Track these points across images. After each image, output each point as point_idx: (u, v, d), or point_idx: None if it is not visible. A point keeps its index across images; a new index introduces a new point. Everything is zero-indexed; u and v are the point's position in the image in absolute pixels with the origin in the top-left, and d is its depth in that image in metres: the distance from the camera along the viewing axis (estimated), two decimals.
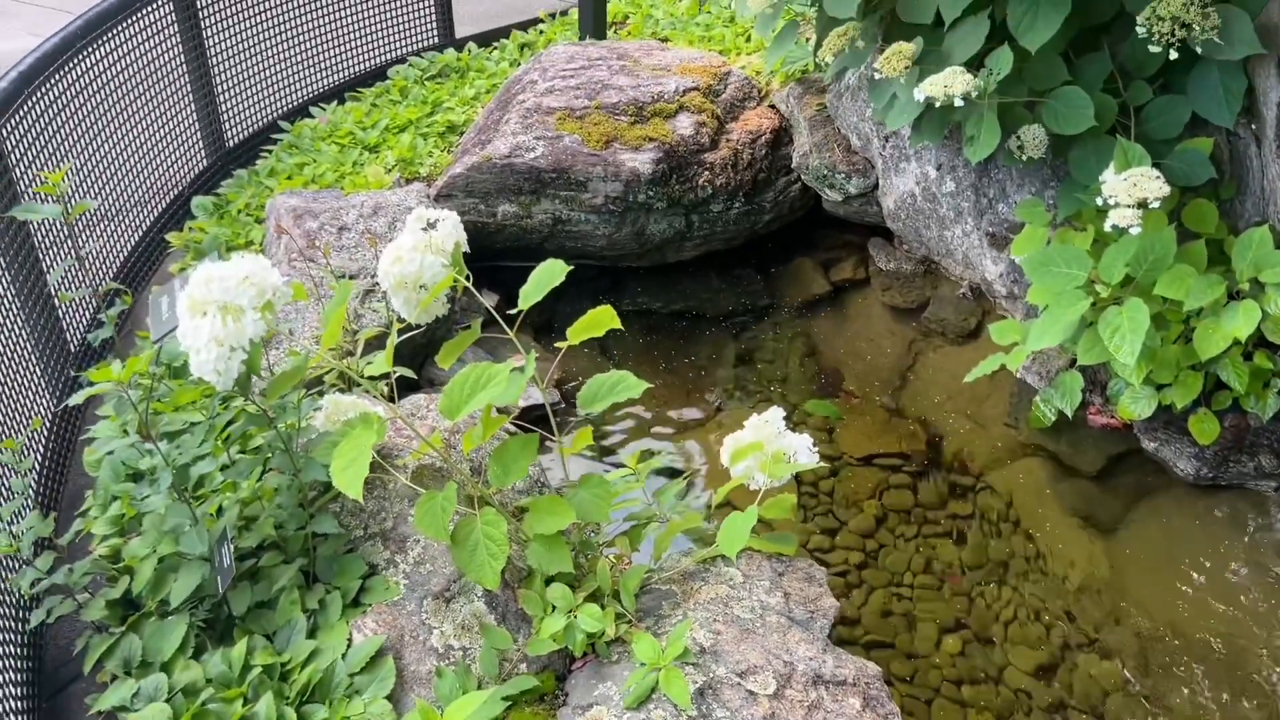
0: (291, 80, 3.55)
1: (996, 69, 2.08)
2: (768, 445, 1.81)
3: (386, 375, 1.81)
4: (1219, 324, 2.04)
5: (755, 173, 3.03)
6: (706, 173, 2.94)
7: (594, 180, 2.84)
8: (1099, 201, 2.03)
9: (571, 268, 1.70)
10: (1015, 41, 2.09)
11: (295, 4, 3.50)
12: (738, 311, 3.02)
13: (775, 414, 1.86)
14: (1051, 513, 2.35)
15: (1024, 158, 2.21)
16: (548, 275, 1.70)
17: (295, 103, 3.55)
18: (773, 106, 3.18)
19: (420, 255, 1.73)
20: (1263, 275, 2.01)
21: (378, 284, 2.44)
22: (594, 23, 3.88)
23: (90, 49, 2.53)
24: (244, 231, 2.74)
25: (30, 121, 2.20)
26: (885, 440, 2.60)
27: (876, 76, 2.21)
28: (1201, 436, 2.20)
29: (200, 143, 3.12)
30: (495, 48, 4.05)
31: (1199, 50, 1.98)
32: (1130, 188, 1.98)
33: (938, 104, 2.05)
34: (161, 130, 2.95)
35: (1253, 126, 2.14)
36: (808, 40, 2.69)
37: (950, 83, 2.03)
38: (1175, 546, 2.23)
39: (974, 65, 2.15)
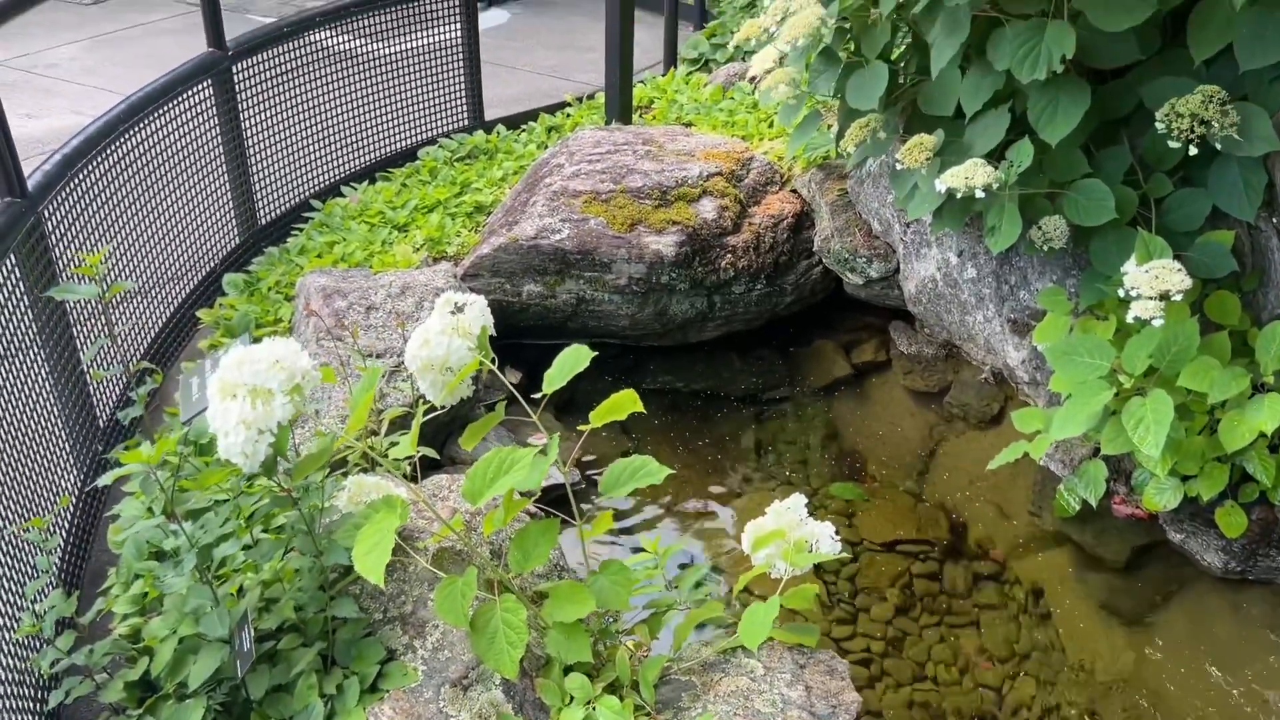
0: (325, 160, 3.64)
1: (1017, 161, 2.11)
2: (790, 533, 1.80)
3: (410, 456, 1.82)
4: (1244, 416, 2.03)
5: (777, 256, 3.06)
6: (729, 255, 2.97)
7: (618, 262, 2.88)
8: (1121, 292, 2.04)
9: (595, 354, 1.72)
10: (1035, 134, 2.12)
11: (332, 87, 3.60)
12: (759, 392, 3.02)
13: (797, 500, 1.86)
14: (1077, 604, 2.31)
15: (1046, 248, 2.22)
16: (572, 361, 1.71)
17: (328, 181, 3.63)
18: (794, 191, 3.22)
19: (448, 339, 1.75)
20: None
21: (403, 364, 2.47)
22: (620, 107, 3.96)
23: (132, 131, 2.61)
24: (273, 309, 2.79)
25: (72, 202, 2.26)
26: (907, 526, 2.58)
27: (898, 167, 2.24)
28: (1229, 530, 2.18)
29: (234, 220, 3.19)
30: (523, 130, 4.14)
31: (1218, 146, 2.00)
32: (1152, 280, 1.99)
33: (959, 195, 2.08)
34: (196, 208, 3.02)
35: (1274, 220, 2.15)
36: (829, 128, 2.74)
37: (971, 174, 2.06)
38: (1203, 642, 2.19)
39: (995, 157, 2.18)
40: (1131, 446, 2.11)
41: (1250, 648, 2.17)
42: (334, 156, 3.68)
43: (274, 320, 2.75)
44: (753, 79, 2.83)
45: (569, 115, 4.25)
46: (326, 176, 3.65)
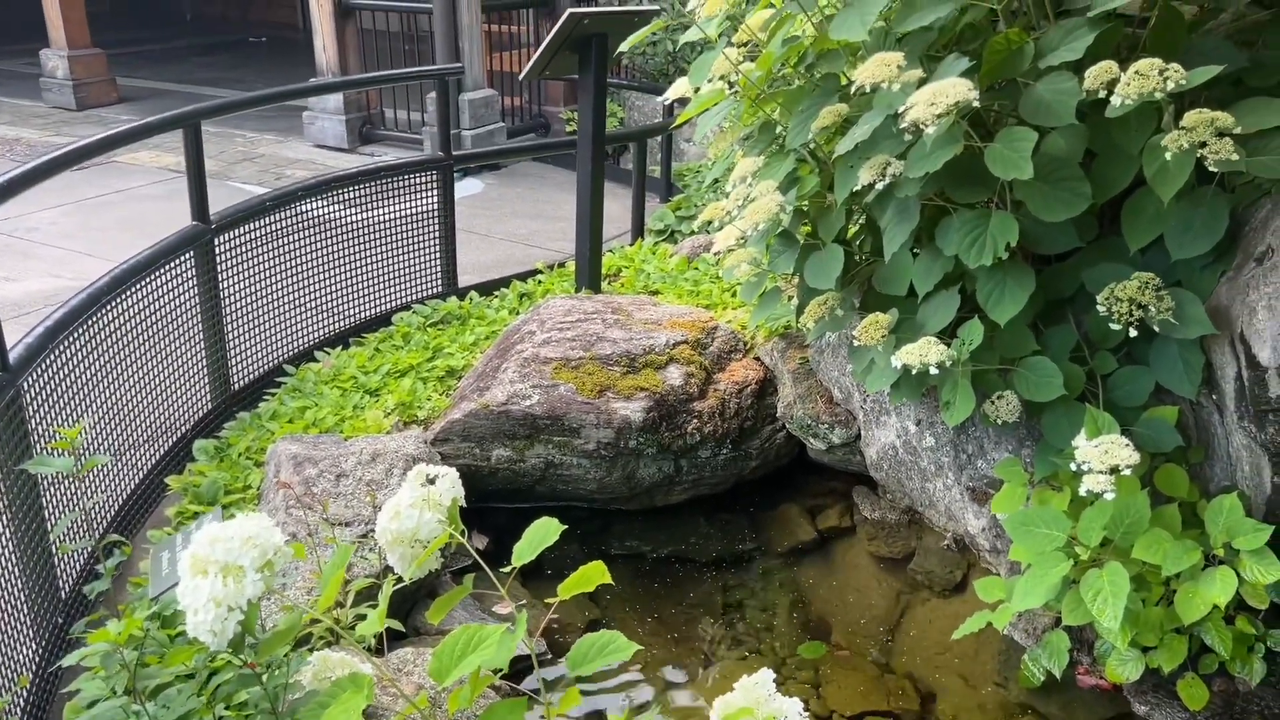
0: (300, 325, 3.72)
1: (968, 339, 2.22)
2: (758, 709, 1.80)
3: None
4: (1198, 589, 2.08)
5: (742, 421, 3.13)
6: (695, 421, 3.04)
7: (587, 427, 2.94)
8: (1074, 465, 2.11)
9: (565, 527, 1.75)
10: (985, 314, 2.24)
11: (310, 253, 3.71)
12: (725, 557, 3.04)
13: (765, 676, 1.85)
14: None
15: (999, 421, 2.31)
16: (541, 534, 1.74)
17: (302, 346, 3.70)
18: (758, 359, 3.33)
19: (419, 512, 1.78)
20: (1236, 542, 2.07)
21: (371, 533, 2.48)
22: (590, 275, 4.10)
23: (113, 302, 2.67)
24: (243, 475, 2.80)
25: (50, 373, 2.30)
26: (876, 697, 2.57)
27: (856, 343, 2.34)
28: (1191, 702, 2.19)
29: (207, 385, 3.23)
30: (496, 296, 4.27)
31: (1156, 329, 2.12)
32: (1102, 454, 2.06)
33: (914, 371, 2.17)
34: (170, 374, 3.07)
35: (1214, 397, 2.26)
36: (790, 299, 2.86)
37: (925, 352, 2.16)
38: None
39: (947, 334, 2.29)
40: (1092, 617, 2.15)
41: None
42: (309, 322, 3.76)
43: (243, 487, 2.76)
44: (716, 253, 2.97)
45: (540, 282, 4.39)
46: (301, 341, 3.72)
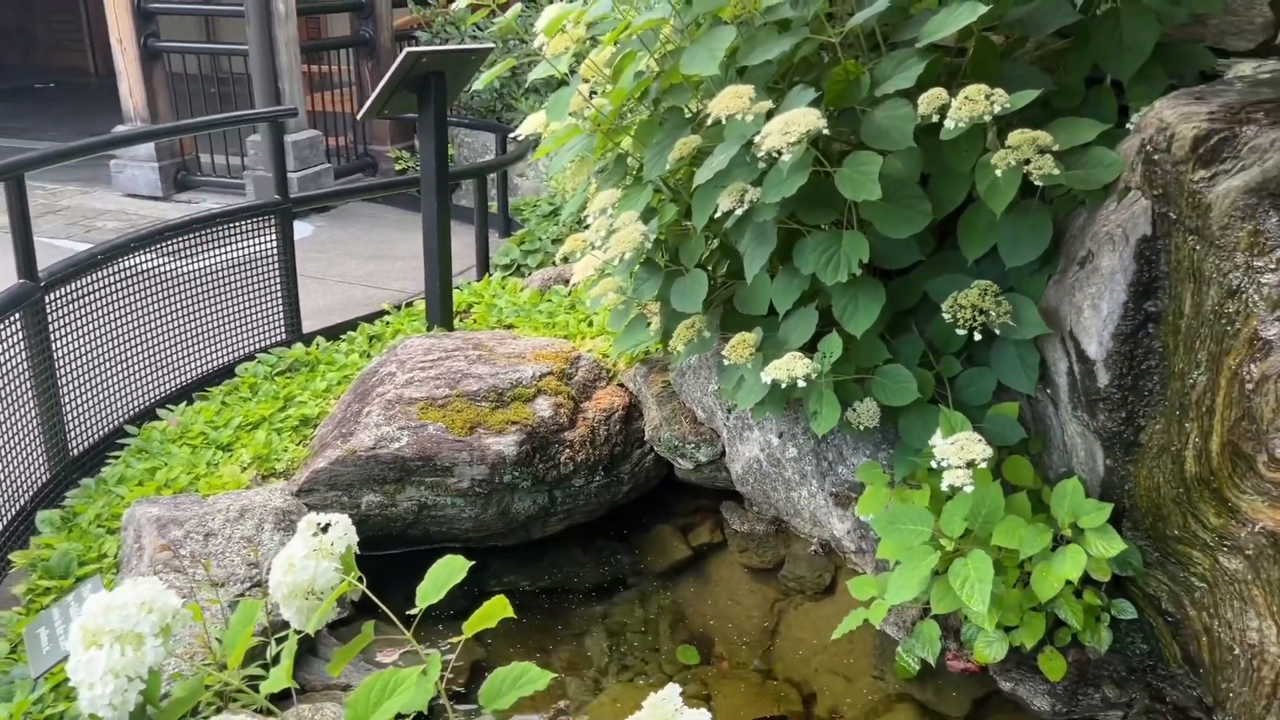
0: (139, 383, 3.54)
1: (829, 353, 2.35)
2: None
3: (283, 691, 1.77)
4: (1051, 568, 2.26)
5: (612, 447, 3.19)
6: (567, 450, 3.08)
7: (460, 465, 2.92)
8: (933, 463, 2.26)
9: (472, 563, 1.75)
10: (842, 328, 2.38)
11: (145, 307, 3.54)
12: (605, 583, 3.08)
13: (672, 691, 1.90)
14: None
15: (861, 427, 2.45)
16: (446, 573, 1.74)
17: (142, 405, 3.52)
18: (621, 385, 3.39)
19: (314, 562, 1.75)
20: (1081, 521, 2.26)
21: (249, 591, 2.39)
22: (442, 313, 4.08)
23: None
24: (96, 545, 2.64)
25: None
26: (761, 704, 2.65)
27: (726, 361, 2.44)
28: (1051, 673, 2.37)
29: (43, 453, 3.03)
30: (343, 340, 4.18)
31: (997, 332, 2.31)
32: (959, 451, 2.22)
33: (783, 384, 2.28)
34: (2, 444, 2.87)
35: (1048, 391, 2.47)
36: (653, 325, 2.94)
37: (792, 366, 2.28)
38: None
39: (808, 349, 2.42)
40: (959, 604, 2.30)
41: None
42: (149, 379, 3.59)
43: (98, 557, 2.60)
44: (575, 284, 3.02)
45: (389, 323, 4.32)
46: (141, 400, 3.54)
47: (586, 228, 2.79)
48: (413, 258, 4.01)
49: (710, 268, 2.74)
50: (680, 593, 3.06)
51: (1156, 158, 2.08)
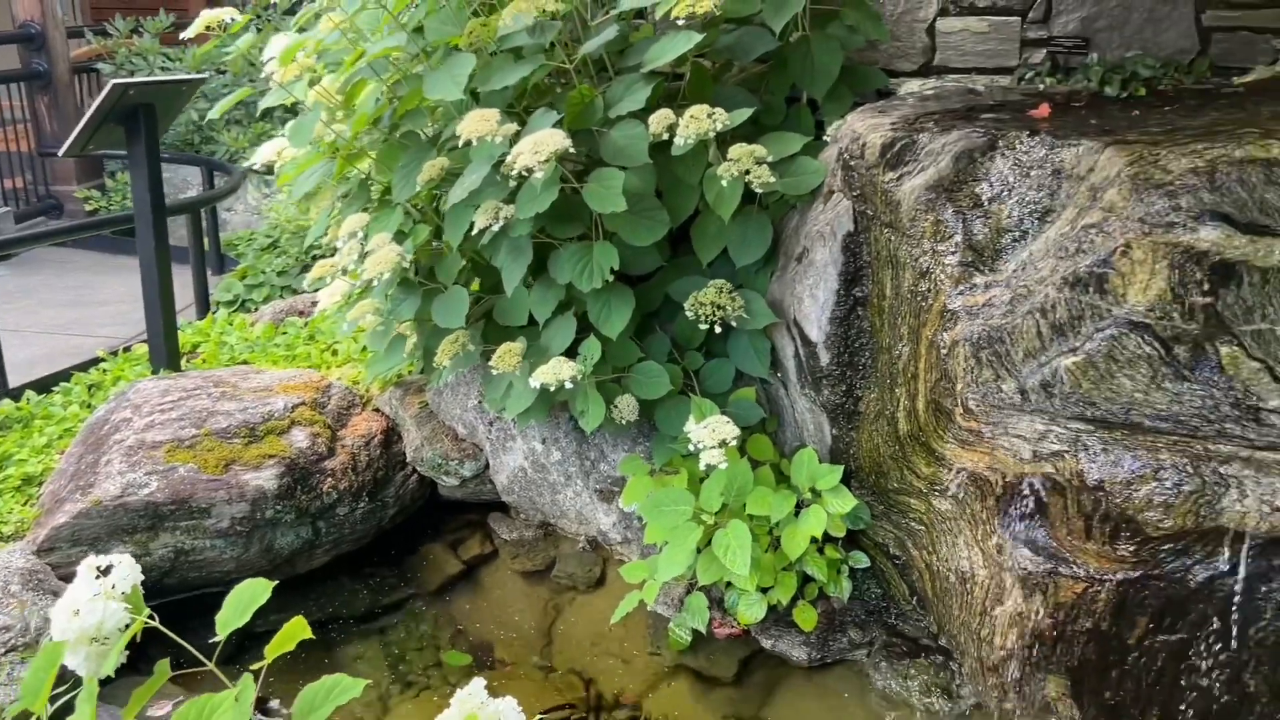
0: None
1: (590, 355, 2.52)
2: (481, 716, 1.93)
3: None
4: (798, 528, 2.55)
5: (374, 473, 3.20)
6: (329, 479, 3.06)
7: (218, 505, 2.84)
8: (690, 448, 2.49)
9: (275, 582, 1.76)
10: (598, 332, 2.56)
11: None
12: (378, 608, 3.08)
13: (477, 685, 1.99)
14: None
15: (623, 422, 2.64)
16: (248, 596, 1.74)
17: None
18: (377, 410, 3.41)
19: (101, 604, 1.70)
20: (818, 484, 2.57)
21: (5, 655, 2.23)
22: (168, 355, 3.89)
23: None
24: None
25: None
26: (547, 697, 2.77)
27: (495, 371, 2.55)
28: (805, 624, 2.66)
29: None
30: (57, 392, 3.88)
31: (734, 324, 2.57)
32: (711, 433, 2.46)
33: (552, 388, 2.43)
34: None
35: (778, 375, 2.77)
36: (412, 345, 3.00)
37: (558, 371, 2.43)
38: None
39: (569, 354, 2.58)
40: (723, 573, 2.55)
41: (839, 715, 2.64)
42: None
43: None
44: (322, 310, 3.02)
45: (107, 370, 4.06)
46: None
47: (333, 253, 2.81)
48: (119, 301, 3.78)
49: (466, 284, 2.84)
50: (455, 606, 3.12)
51: (853, 164, 2.43)
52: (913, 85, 2.84)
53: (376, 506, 3.21)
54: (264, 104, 2.84)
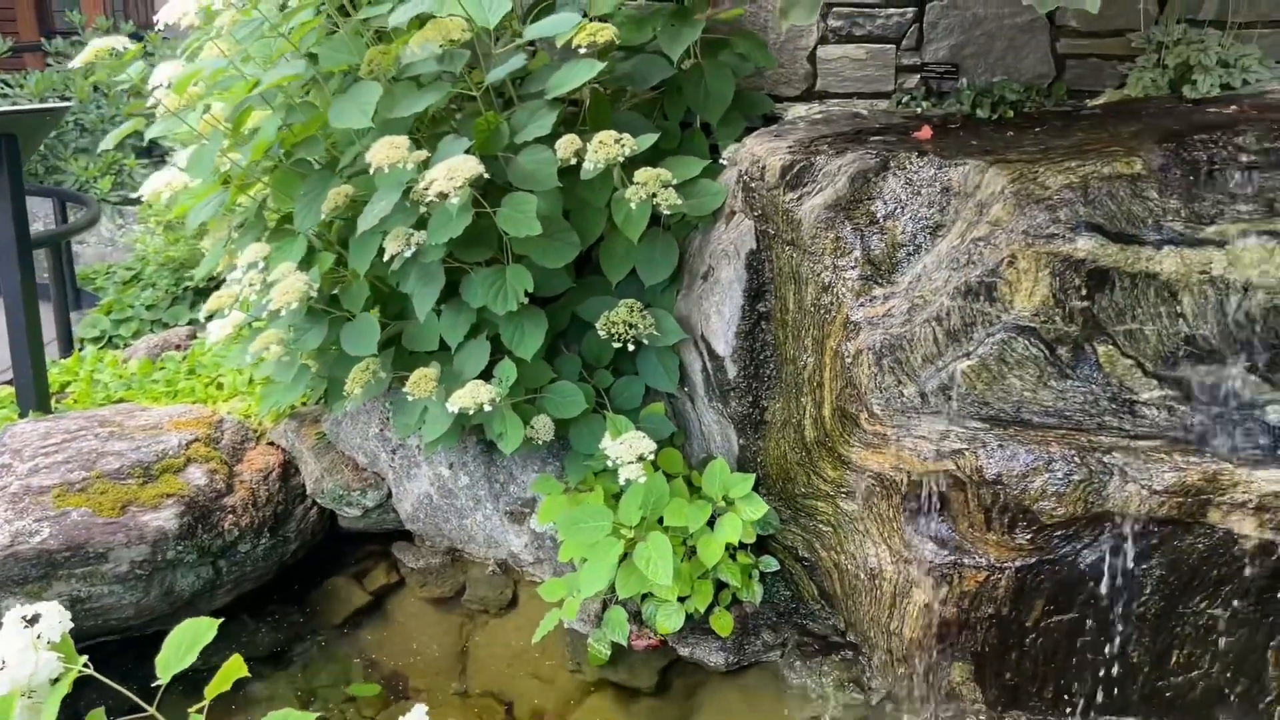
0: None
1: (505, 378, 2.55)
2: None
3: None
4: (714, 537, 2.63)
5: (275, 507, 3.13)
6: (230, 516, 2.98)
7: (116, 548, 2.72)
8: (609, 464, 2.54)
9: (220, 619, 1.73)
10: (512, 354, 2.59)
11: None
12: (284, 645, 3.01)
13: (419, 711, 1.99)
14: None
15: (539, 442, 2.68)
16: (191, 636, 1.71)
17: None
18: (272, 443, 3.33)
19: (34, 655, 1.64)
20: (731, 493, 2.66)
21: None
22: (36, 395, 3.70)
23: None
24: None
25: None
26: None
27: (410, 398, 2.55)
28: (721, 630, 2.75)
29: None
30: None
31: (645, 342, 2.65)
32: (629, 449, 2.53)
33: (471, 413, 2.45)
34: None
35: (685, 389, 2.86)
36: (317, 374, 2.95)
37: (476, 394, 2.45)
38: None
39: (484, 377, 2.60)
40: (642, 587, 2.61)
41: (759, 714, 2.73)
42: None
43: None
44: (215, 342, 2.95)
45: None
46: None
47: (220, 285, 2.76)
48: None
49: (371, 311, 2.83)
50: (365, 638, 3.08)
51: (753, 185, 2.54)
52: (799, 109, 2.99)
53: (278, 542, 3.13)
54: (150, 133, 2.76)
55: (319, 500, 3.25)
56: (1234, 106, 2.43)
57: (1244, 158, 2.18)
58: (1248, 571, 2.21)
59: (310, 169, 2.87)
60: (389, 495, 3.26)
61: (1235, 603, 2.24)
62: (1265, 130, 2.19)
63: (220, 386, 3.71)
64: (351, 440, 3.25)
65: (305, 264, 2.61)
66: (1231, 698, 2.32)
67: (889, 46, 2.96)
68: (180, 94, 2.54)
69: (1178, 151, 2.19)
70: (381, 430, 3.21)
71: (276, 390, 2.92)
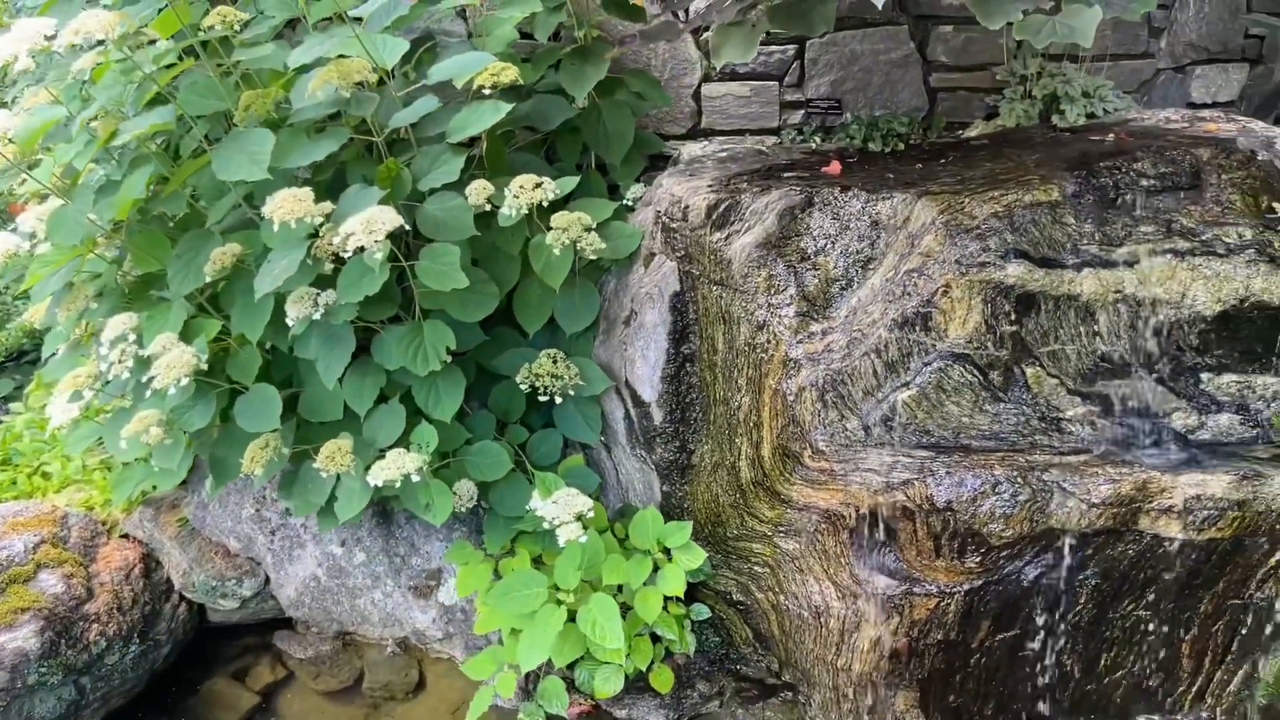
0: None
1: (425, 443, 2.36)
2: None
3: None
4: (654, 590, 2.53)
5: (143, 608, 2.76)
6: (96, 625, 2.60)
7: None
8: (546, 525, 2.39)
9: None
10: (429, 417, 2.40)
11: None
12: None
13: None
14: None
15: (462, 510, 2.49)
16: None
17: None
18: (126, 536, 2.94)
19: None
20: (668, 543, 2.57)
21: None
22: None
23: None
24: None
25: None
26: None
27: (323, 474, 2.30)
28: (662, 686, 2.64)
29: None
30: None
31: (570, 393, 2.52)
32: (564, 508, 2.39)
33: (397, 484, 2.24)
34: None
35: (602, 439, 2.75)
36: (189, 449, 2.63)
37: (401, 464, 2.24)
38: None
39: (400, 444, 2.39)
40: (579, 652, 2.47)
41: None
42: None
43: None
44: (57, 427, 2.58)
45: None
46: None
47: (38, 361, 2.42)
48: None
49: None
50: None
51: (674, 226, 2.48)
52: (694, 148, 2.96)
53: (149, 647, 2.76)
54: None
55: (188, 595, 2.90)
56: (1111, 135, 2.60)
57: (1144, 182, 2.33)
58: (1169, 574, 2.33)
59: (166, 227, 2.58)
60: (266, 582, 2.95)
61: (1159, 603, 2.36)
62: (1157, 156, 2.35)
63: (47, 476, 3.26)
64: (222, 525, 2.92)
65: (185, 334, 2.32)
66: (1150, 692, 2.43)
67: (772, 83, 2.99)
68: (31, 147, 2.20)
69: (1088, 179, 2.31)
70: (258, 511, 2.90)
71: (127, 476, 2.57)
